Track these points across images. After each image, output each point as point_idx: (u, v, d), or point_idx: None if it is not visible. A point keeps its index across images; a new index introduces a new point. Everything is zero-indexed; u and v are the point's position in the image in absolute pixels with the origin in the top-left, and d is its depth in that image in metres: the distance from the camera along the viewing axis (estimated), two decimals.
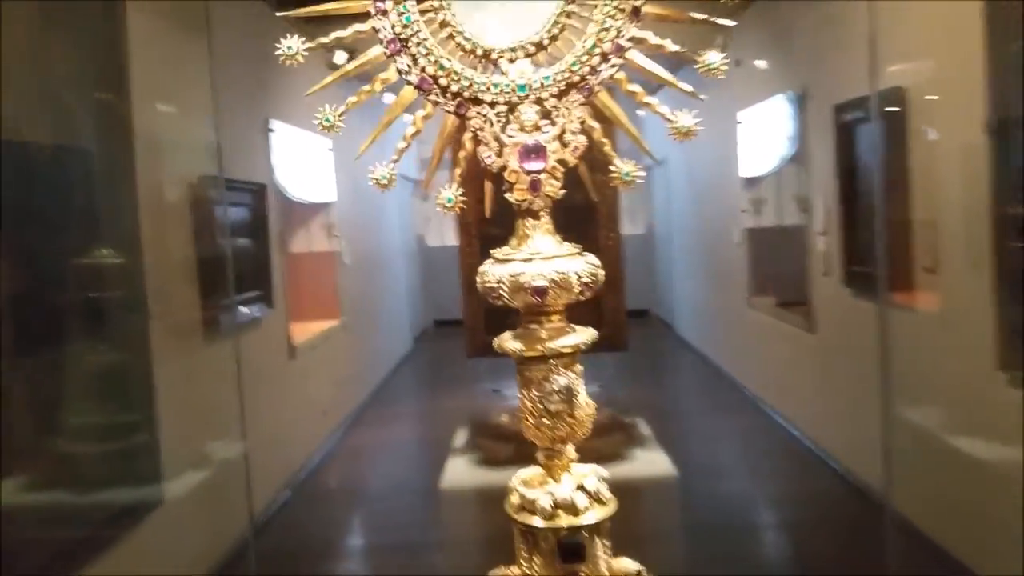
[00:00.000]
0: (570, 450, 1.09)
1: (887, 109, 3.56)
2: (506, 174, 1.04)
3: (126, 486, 2.85)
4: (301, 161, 5.48)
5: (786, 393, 5.33)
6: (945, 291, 3.23)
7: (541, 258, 1.05)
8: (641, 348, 7.85)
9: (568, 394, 1.06)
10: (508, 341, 1.08)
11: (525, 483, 1.09)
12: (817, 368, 4.79)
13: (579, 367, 1.09)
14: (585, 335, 1.07)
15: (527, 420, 1.08)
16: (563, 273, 1.04)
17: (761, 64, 5.45)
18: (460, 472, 2.53)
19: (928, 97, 3.33)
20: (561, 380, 1.06)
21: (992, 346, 2.77)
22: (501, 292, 1.04)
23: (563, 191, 1.06)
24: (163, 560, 3.03)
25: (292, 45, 1.03)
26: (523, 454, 1.15)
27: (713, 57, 1.00)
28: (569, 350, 1.06)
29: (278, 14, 1.13)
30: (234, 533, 3.51)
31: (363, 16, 1.06)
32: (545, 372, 1.06)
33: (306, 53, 1.06)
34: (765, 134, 5.58)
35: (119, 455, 2.73)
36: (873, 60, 3.32)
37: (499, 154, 1.04)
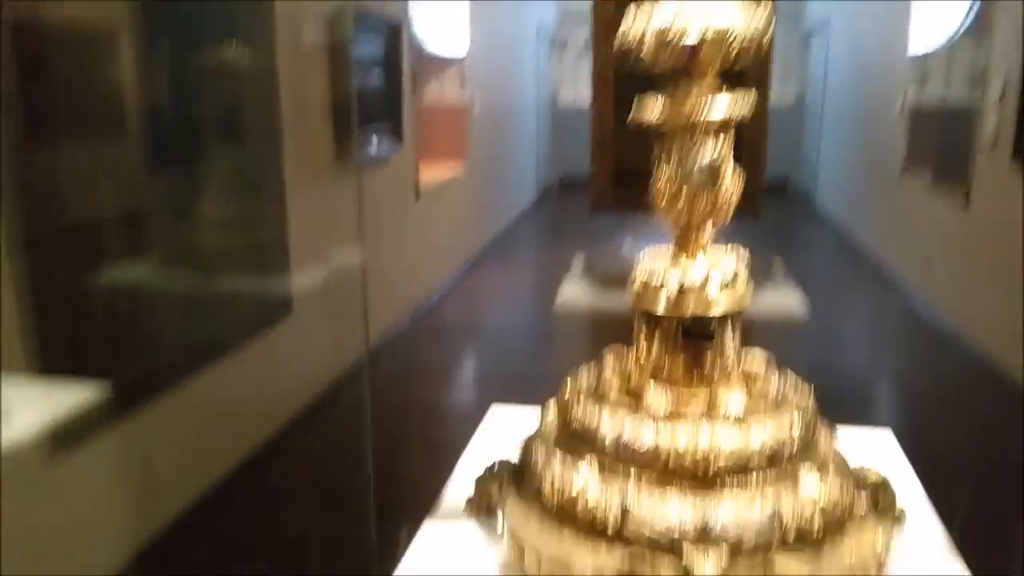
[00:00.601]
0: (708, 230, 0.98)
1: None
2: None
3: (259, 277, 2.98)
4: (438, 10, 5.35)
5: (929, 273, 5.00)
6: None
7: (694, 6, 0.90)
8: (776, 219, 7.52)
9: (714, 171, 0.94)
10: (648, 108, 0.96)
11: (651, 260, 1.00)
12: (966, 248, 4.46)
13: (730, 139, 0.96)
14: (741, 103, 0.94)
15: (662, 197, 0.97)
16: (722, 27, 0.89)
17: None
18: (576, 293, 2.48)
19: None
20: (707, 154, 0.94)
21: None
22: (642, 50, 0.91)
23: None
24: (292, 364, 3.19)
25: None
26: None
27: None
28: (720, 120, 0.94)
29: None
30: (356, 349, 3.66)
31: None
32: (689, 143, 0.94)
33: None
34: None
35: (252, 248, 2.83)
36: None
37: None
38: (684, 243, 0.99)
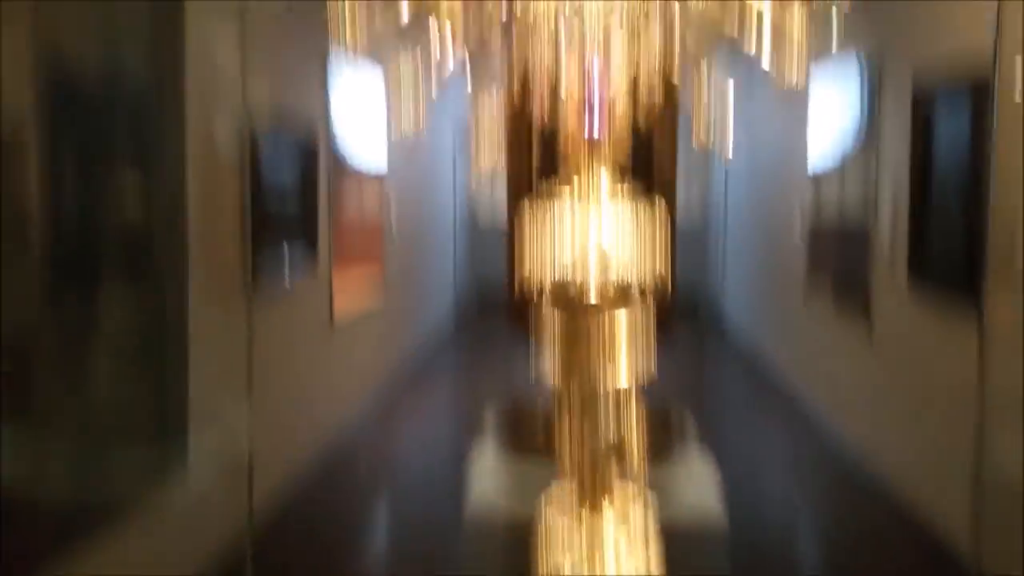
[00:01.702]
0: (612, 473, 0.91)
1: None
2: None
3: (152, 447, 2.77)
4: (359, 122, 5.30)
5: (840, 406, 4.95)
6: None
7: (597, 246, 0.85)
8: (688, 343, 7.48)
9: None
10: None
11: (557, 511, 0.92)
12: (876, 381, 4.45)
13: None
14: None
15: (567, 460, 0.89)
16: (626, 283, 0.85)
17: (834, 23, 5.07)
18: (487, 489, 2.31)
19: None
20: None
21: None
22: (543, 294, 0.87)
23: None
24: (187, 533, 2.95)
25: None
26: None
27: None
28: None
29: None
30: (258, 511, 3.42)
31: None
32: None
33: None
34: (834, 108, 5.19)
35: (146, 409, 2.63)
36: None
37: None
38: (589, 492, 0.92)
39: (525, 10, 0.83)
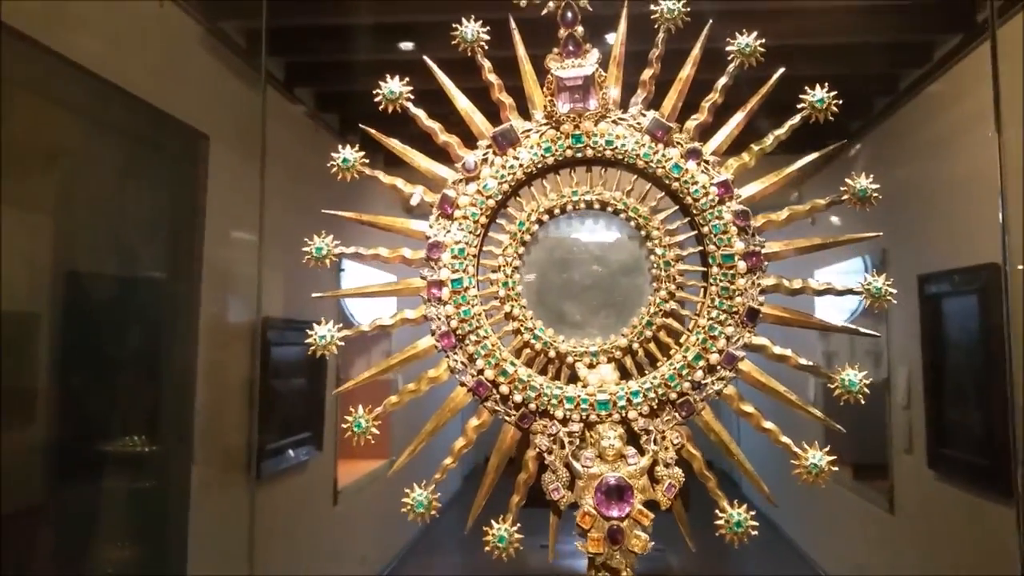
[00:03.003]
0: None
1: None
2: (577, 516, 0.83)
3: None
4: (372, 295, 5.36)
5: None
6: None
7: None
8: (701, 507, 7.28)
9: None
10: None
11: None
12: (897, 553, 4.30)
13: None
14: None
15: None
16: None
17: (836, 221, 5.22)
18: None
19: None
20: None
21: None
22: None
23: (652, 544, 0.82)
24: None
25: (349, 157, 0.84)
26: None
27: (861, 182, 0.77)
28: None
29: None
30: None
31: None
32: None
33: (363, 170, 0.87)
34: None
35: None
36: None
37: (569, 486, 0.83)
38: None
39: None
